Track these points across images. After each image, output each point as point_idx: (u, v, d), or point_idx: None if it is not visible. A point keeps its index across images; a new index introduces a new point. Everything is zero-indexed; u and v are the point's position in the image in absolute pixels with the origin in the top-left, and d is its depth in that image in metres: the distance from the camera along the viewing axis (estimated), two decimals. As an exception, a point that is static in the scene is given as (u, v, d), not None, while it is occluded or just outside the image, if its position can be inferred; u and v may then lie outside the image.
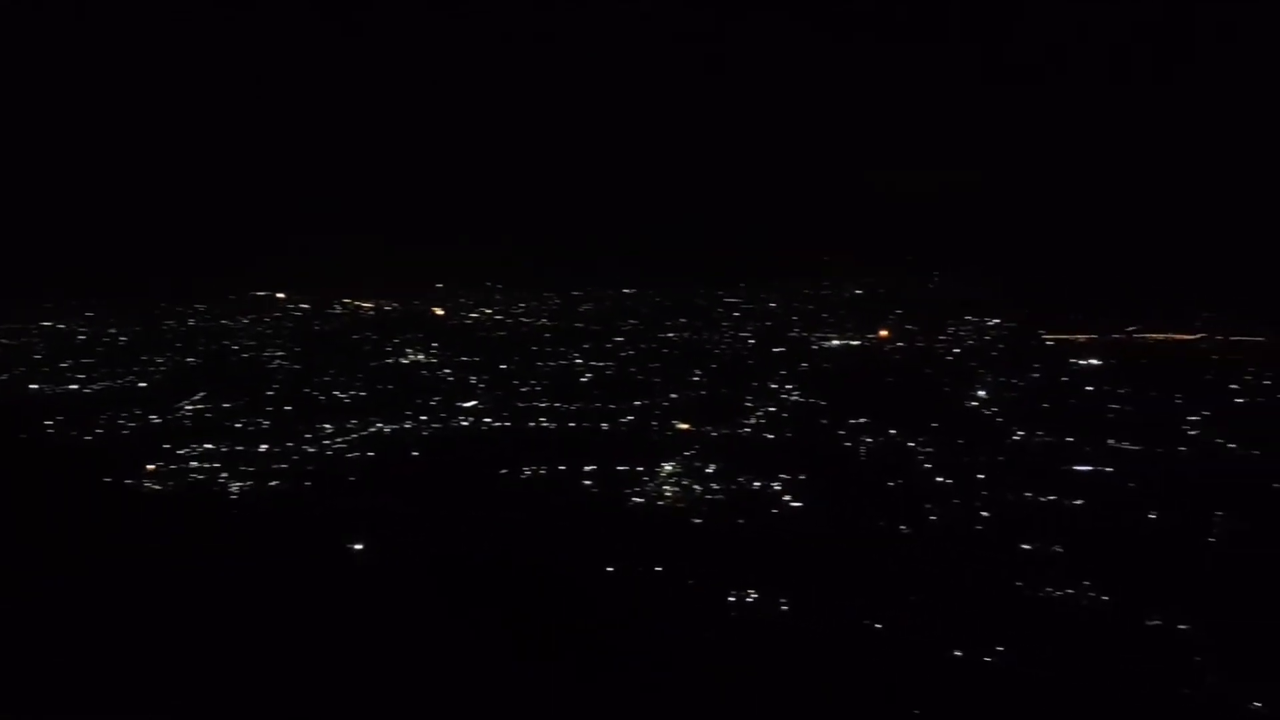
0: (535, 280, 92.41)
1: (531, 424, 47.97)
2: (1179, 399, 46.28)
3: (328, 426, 47.07)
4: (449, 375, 58.21)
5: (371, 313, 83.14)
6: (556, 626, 26.97)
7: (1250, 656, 24.23)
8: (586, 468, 40.18)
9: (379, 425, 47.44)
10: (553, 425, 47.65)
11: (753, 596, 28.48)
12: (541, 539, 33.29)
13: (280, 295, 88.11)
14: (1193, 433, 42.17)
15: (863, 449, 42.54)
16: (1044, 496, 35.76)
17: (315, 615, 27.35)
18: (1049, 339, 60.55)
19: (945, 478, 38.15)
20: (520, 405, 51.07)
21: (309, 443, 44.82)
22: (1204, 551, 31.24)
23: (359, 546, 32.75)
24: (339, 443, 44.96)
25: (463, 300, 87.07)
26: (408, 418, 48.72)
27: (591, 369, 58.78)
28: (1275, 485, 35.32)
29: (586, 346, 64.24)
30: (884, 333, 65.23)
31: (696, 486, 38.22)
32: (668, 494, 37.76)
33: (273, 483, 39.90)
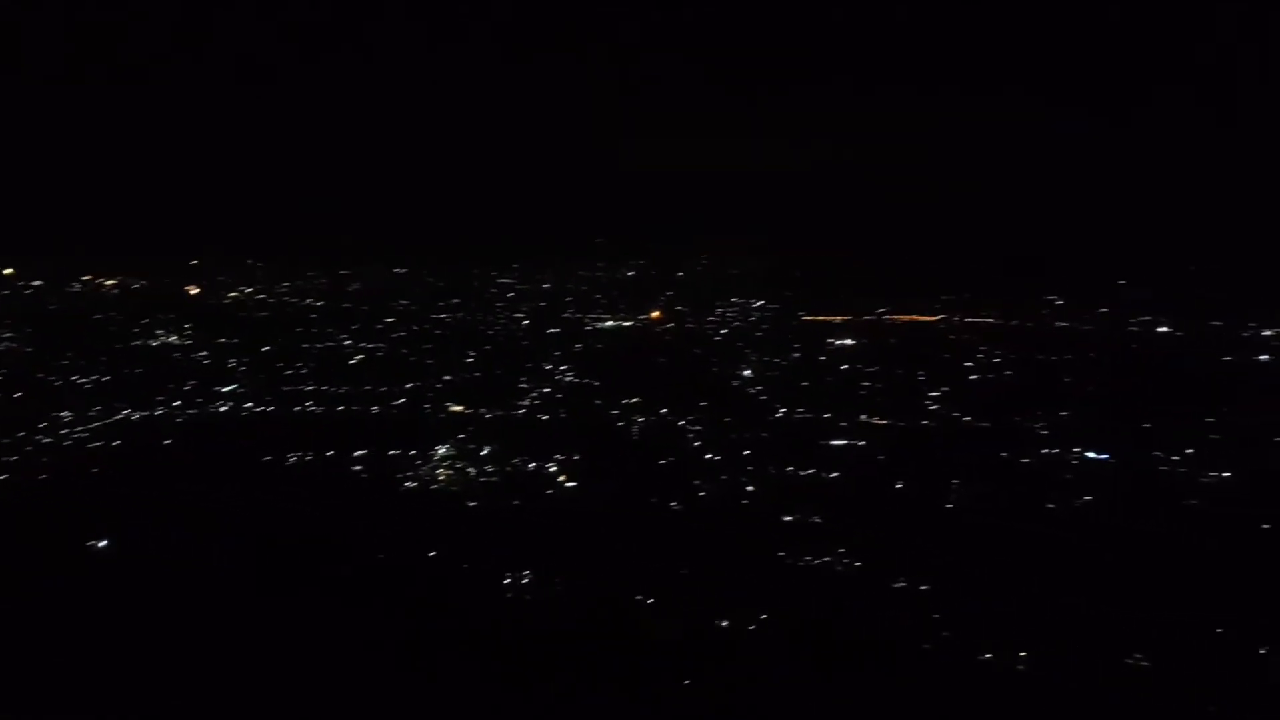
0: (301, 258, 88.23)
1: (297, 408, 46.04)
2: (922, 376, 49.83)
3: (66, 414, 43.38)
4: (205, 358, 54.87)
5: (116, 291, 77.04)
6: (328, 617, 26.15)
7: (984, 613, 26.54)
8: (357, 452, 39.02)
9: (126, 412, 44.18)
10: (320, 409, 45.94)
11: (528, 577, 28.62)
12: (310, 527, 32.12)
13: (8, 271, 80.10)
14: (934, 407, 45.54)
15: (635, 428, 43.43)
16: (804, 470, 37.71)
17: (55, 620, 25.32)
18: (808, 319, 63.71)
19: (714, 454, 39.54)
20: (285, 389, 48.88)
21: (44, 433, 41.16)
22: (943, 518, 33.91)
23: (103, 544, 30.49)
24: (79, 431, 41.56)
25: (220, 279, 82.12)
26: (159, 404, 45.63)
27: (361, 350, 56.98)
28: (1003, 455, 38.62)
29: (356, 327, 62.16)
30: (655, 314, 66.71)
31: (471, 469, 37.89)
32: (441, 477, 37.26)
33: (1, 477, 36.49)
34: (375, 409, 45.87)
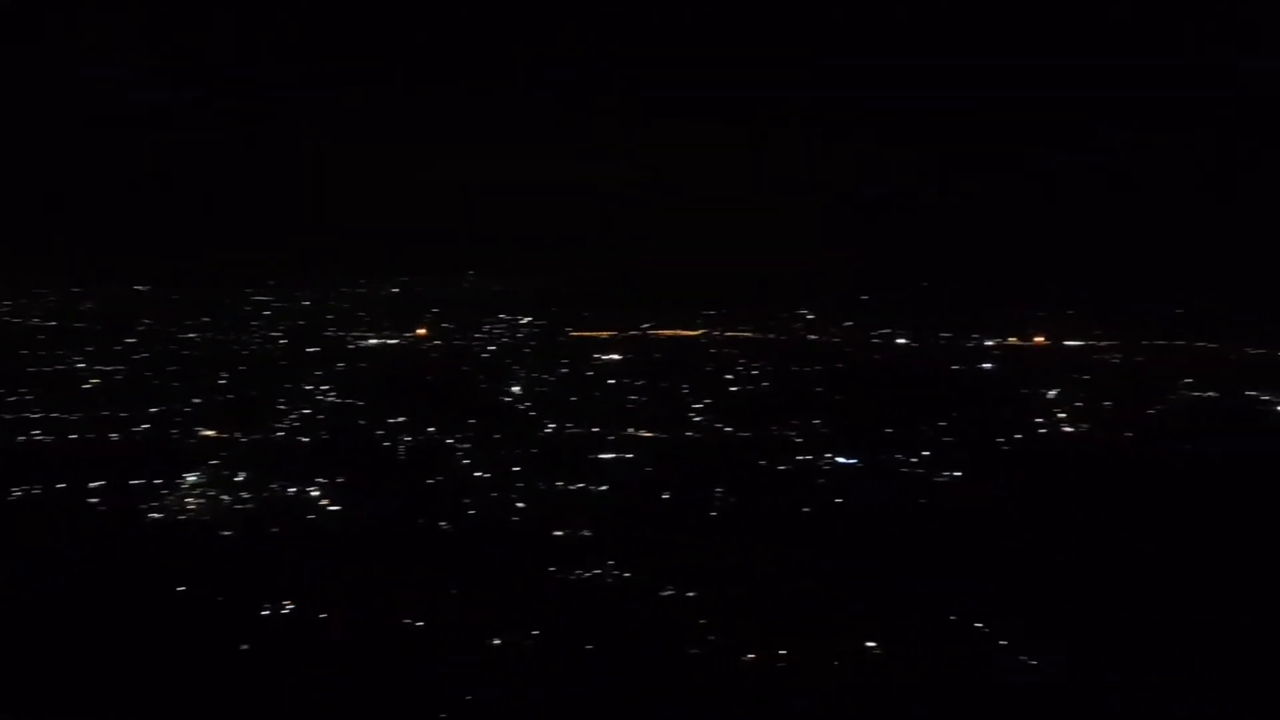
0: (26, 274, 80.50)
1: (22, 437, 42.04)
2: (686, 389, 51.41)
3: None
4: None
5: None
6: (67, 665, 23.95)
7: (750, 616, 27.58)
8: (93, 484, 36.01)
9: None
10: (49, 438, 42.12)
11: (289, 607, 27.33)
12: (43, 566, 29.34)
13: None
14: (697, 419, 47.06)
15: (401, 448, 42.43)
16: (573, 485, 38.01)
17: None
18: (575, 335, 64.44)
19: (483, 472, 39.20)
20: (7, 417, 44.51)
21: None
22: (708, 526, 35.04)
23: None
24: None
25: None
26: None
27: (97, 374, 52.64)
28: (762, 462, 40.41)
29: (90, 349, 57.30)
30: (421, 331, 65.49)
31: (225, 496, 35.81)
32: (191, 506, 35.01)
33: None
34: (115, 436, 42.53)
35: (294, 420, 45.72)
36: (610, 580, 30.15)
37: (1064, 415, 46.01)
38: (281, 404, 48.01)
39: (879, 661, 25.39)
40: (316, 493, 36.32)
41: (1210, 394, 48.49)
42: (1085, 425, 44.91)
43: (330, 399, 49.58)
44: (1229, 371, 52.11)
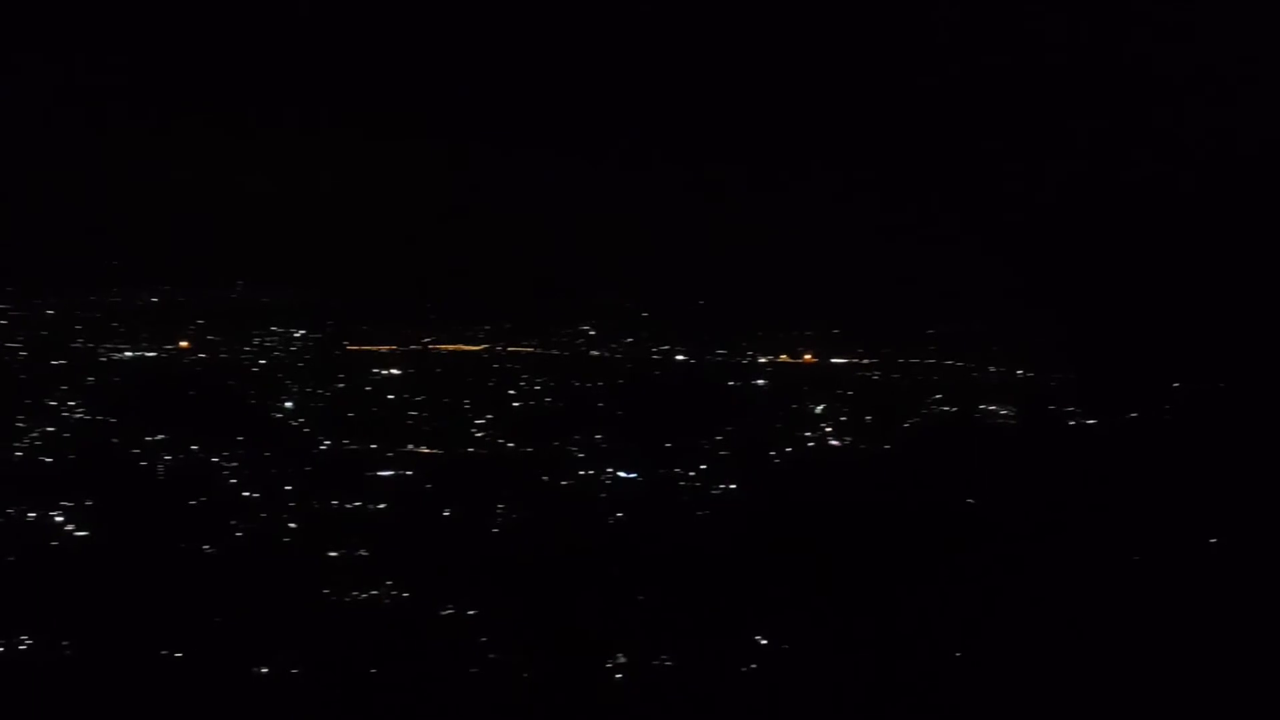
0: None
1: None
2: (467, 404, 50.82)
3: None
4: None
5: None
6: None
7: (531, 632, 27.53)
8: None
9: None
10: None
11: (28, 644, 25.02)
12: None
13: None
14: (479, 435, 46.60)
15: (160, 467, 39.72)
16: (349, 503, 36.78)
17: None
18: (353, 349, 62.43)
19: (251, 491, 37.29)
20: None
21: None
22: (489, 542, 34.78)
23: None
24: None
25: None
26: None
27: None
28: (544, 477, 40.51)
29: None
30: (184, 343, 61.58)
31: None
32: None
33: None
34: None
35: (34, 439, 41.90)
36: (388, 601, 29.39)
37: (830, 429, 48.60)
38: (20, 421, 43.85)
39: (668, 674, 25.95)
40: (61, 517, 33.42)
41: (953, 408, 52.56)
42: (849, 438, 47.60)
43: (78, 415, 45.73)
44: (972, 387, 56.53)
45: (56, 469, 38.79)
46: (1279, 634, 26.10)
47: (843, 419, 49.72)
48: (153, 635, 25.69)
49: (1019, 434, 49.34)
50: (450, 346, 67.17)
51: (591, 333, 69.23)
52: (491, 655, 26.27)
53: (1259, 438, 41.72)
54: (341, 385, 54.83)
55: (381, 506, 36.97)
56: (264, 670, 24.63)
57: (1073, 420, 50.82)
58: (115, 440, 42.66)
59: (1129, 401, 51.60)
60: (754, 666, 26.37)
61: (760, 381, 59.50)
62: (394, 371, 58.90)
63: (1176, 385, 52.74)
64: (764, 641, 27.48)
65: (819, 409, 51.62)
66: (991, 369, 60.60)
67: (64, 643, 25.22)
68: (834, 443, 47.11)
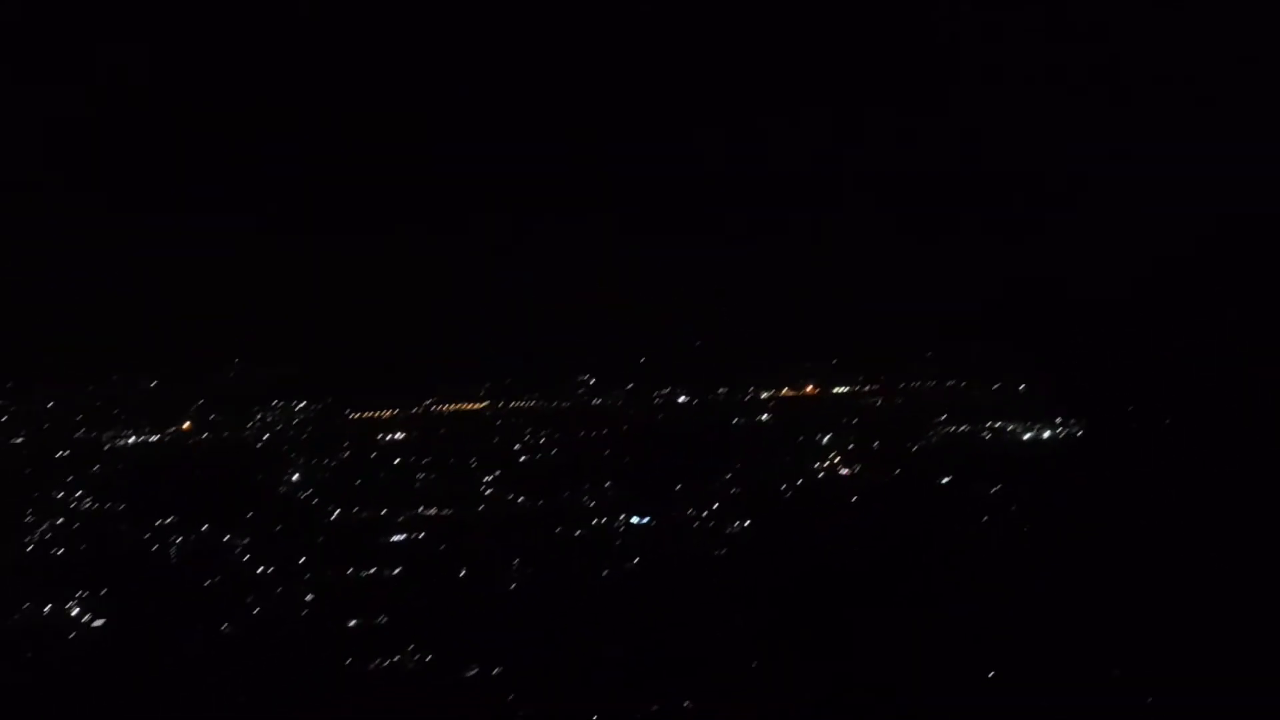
0: None
1: None
2: (474, 462, 50.71)
3: None
4: None
5: None
6: None
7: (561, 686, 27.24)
8: None
9: None
10: None
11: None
12: None
13: None
14: (488, 492, 46.47)
15: (172, 550, 39.56)
16: (364, 571, 36.61)
17: None
18: (355, 417, 62.45)
19: (265, 566, 37.11)
20: None
21: None
22: (508, 599, 34.54)
23: None
24: None
25: None
26: None
27: None
28: (557, 529, 40.37)
29: None
30: (186, 425, 61.59)
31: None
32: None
33: None
34: None
35: (45, 532, 41.75)
36: (412, 665, 29.14)
37: (838, 458, 48.52)
38: (29, 516, 43.69)
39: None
40: (77, 609, 33.20)
41: (963, 427, 52.52)
42: (858, 466, 47.50)
43: (86, 504, 45.60)
44: (976, 406, 56.57)
45: (69, 560, 38.69)
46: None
47: (850, 447, 49.71)
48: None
49: (1032, 450, 49.44)
50: (452, 406, 67.39)
51: (591, 381, 69.44)
52: (520, 715, 26.00)
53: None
54: (347, 453, 54.91)
55: (397, 571, 36.80)
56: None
57: (1081, 432, 51.00)
58: (124, 527, 42.54)
59: (1128, 412, 52.02)
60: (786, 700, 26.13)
61: (764, 416, 59.66)
62: (398, 435, 59.04)
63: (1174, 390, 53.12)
64: (791, 674, 27.26)
65: (825, 439, 51.68)
66: (994, 386, 60.79)
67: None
68: (844, 471, 47.03)
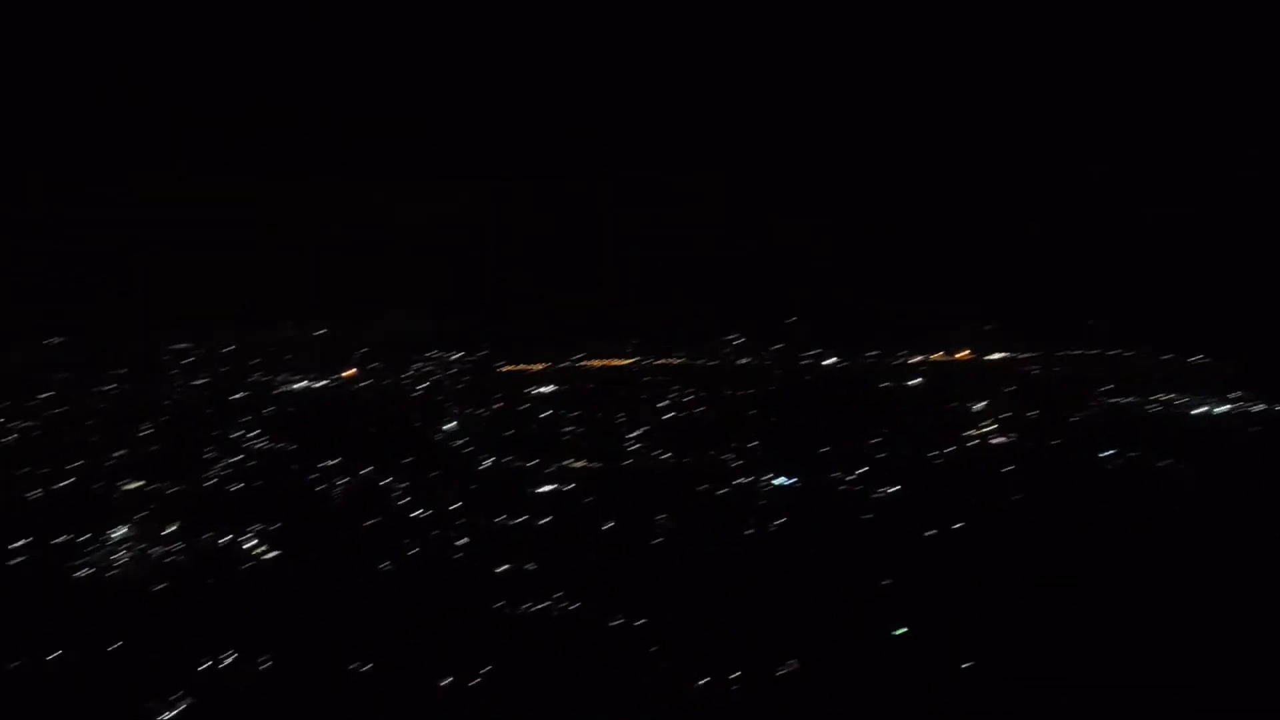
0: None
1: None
2: (621, 418, 51.40)
3: None
4: None
5: None
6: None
7: (701, 641, 27.55)
8: (14, 544, 34.68)
9: None
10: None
11: (232, 658, 26.60)
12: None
13: None
14: (634, 447, 47.08)
15: (336, 491, 41.68)
16: (514, 519, 37.73)
17: None
18: (507, 369, 64.08)
19: (422, 511, 38.70)
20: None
21: None
22: (652, 553, 35.02)
23: None
24: None
25: None
26: None
27: (12, 430, 50.81)
28: (702, 487, 40.57)
29: (7, 405, 55.22)
30: (350, 371, 64.51)
31: (155, 549, 34.76)
32: (121, 562, 33.90)
33: None
34: (35, 494, 41.05)
35: (223, 469, 44.62)
36: (558, 613, 29.96)
37: (993, 427, 47.01)
38: (209, 453, 46.79)
39: (845, 676, 25.62)
40: (252, 541, 35.47)
41: (1129, 399, 50.07)
42: (1013, 435, 45.94)
43: (260, 445, 48.48)
44: (1142, 377, 53.79)
45: (243, 495, 41.28)
46: None
47: (1005, 416, 48.06)
48: (340, 649, 26.85)
49: (1203, 422, 46.76)
50: (600, 362, 68.34)
51: (739, 341, 69.21)
52: (663, 664, 26.41)
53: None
54: (499, 404, 56.52)
55: (545, 521, 37.80)
56: (446, 682, 25.42)
57: (1251, 405, 47.92)
58: (294, 467, 45.08)
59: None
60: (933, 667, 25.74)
61: (914, 381, 58.26)
62: (547, 388, 60.34)
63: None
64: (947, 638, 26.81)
65: (978, 406, 50.13)
66: (1163, 356, 57.59)
67: (261, 657, 26.65)
68: (997, 440, 45.54)
